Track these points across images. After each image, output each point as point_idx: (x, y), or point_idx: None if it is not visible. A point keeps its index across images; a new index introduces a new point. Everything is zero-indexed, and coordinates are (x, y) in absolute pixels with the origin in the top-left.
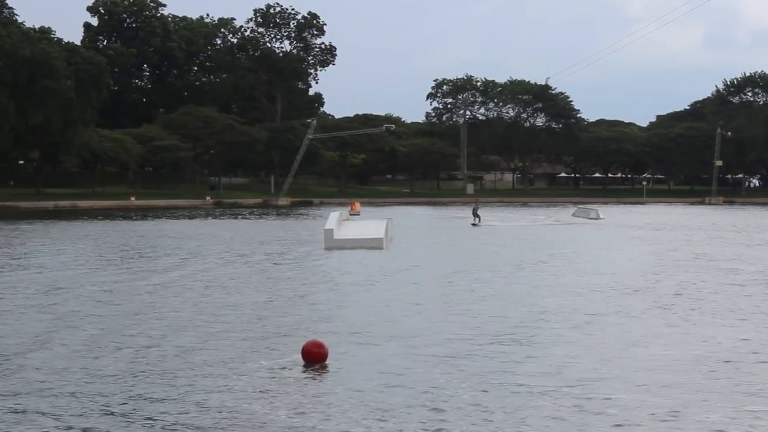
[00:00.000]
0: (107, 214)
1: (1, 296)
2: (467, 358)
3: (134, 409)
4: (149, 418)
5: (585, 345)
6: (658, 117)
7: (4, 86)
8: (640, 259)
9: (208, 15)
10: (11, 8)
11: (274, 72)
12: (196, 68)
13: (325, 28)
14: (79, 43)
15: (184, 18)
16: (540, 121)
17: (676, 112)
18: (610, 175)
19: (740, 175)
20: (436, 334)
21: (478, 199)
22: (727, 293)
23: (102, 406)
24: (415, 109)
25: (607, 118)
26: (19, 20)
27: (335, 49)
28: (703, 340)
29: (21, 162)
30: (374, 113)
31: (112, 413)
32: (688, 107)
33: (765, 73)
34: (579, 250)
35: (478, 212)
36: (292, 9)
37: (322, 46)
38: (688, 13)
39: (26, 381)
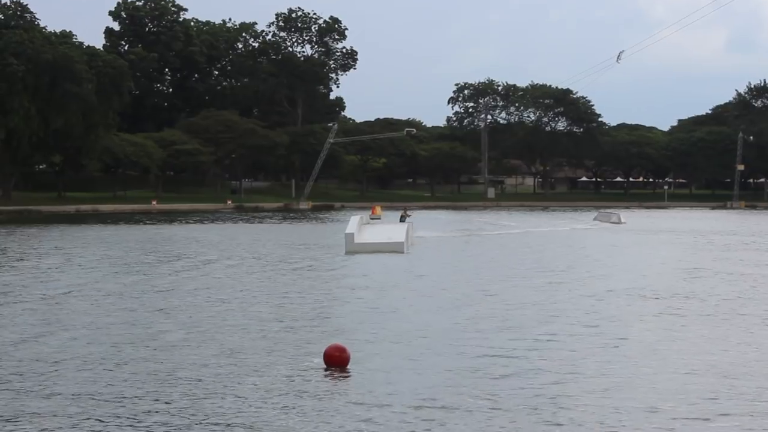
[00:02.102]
0: (129, 218)
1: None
2: (491, 365)
3: (149, 411)
4: (164, 423)
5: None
6: (680, 121)
7: (26, 90)
8: (670, 264)
9: (230, 19)
10: (33, 13)
11: (295, 76)
12: (217, 72)
13: (346, 32)
14: (100, 48)
15: (207, 22)
16: (561, 125)
17: (697, 116)
18: (631, 179)
19: (762, 180)
20: (458, 339)
21: (406, 206)
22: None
23: (122, 408)
24: (436, 113)
25: (629, 122)
26: (41, 25)
27: (356, 53)
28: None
29: (43, 166)
30: (395, 117)
31: (132, 417)
32: (710, 111)
33: None
34: (604, 254)
35: (408, 220)
36: (314, 13)
37: (344, 50)
38: (708, 15)
39: (55, 382)
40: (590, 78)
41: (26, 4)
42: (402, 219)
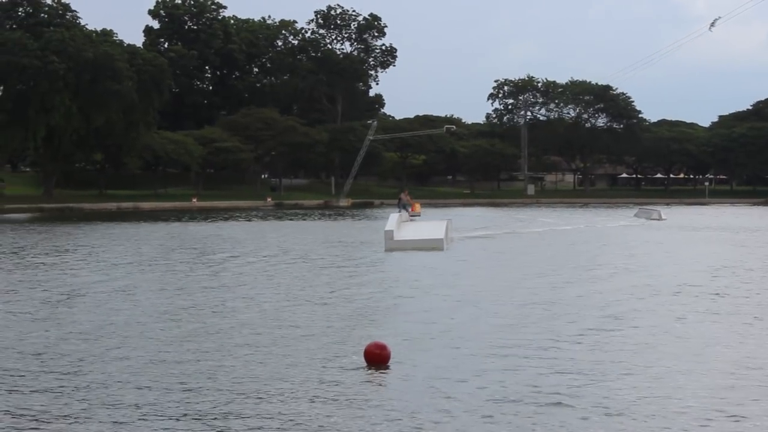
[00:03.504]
0: (169, 216)
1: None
2: (530, 365)
3: (187, 405)
4: (203, 414)
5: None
6: (721, 117)
7: (67, 89)
8: (717, 261)
9: (269, 17)
10: (74, 12)
11: (334, 73)
12: (257, 70)
13: (385, 29)
14: (140, 46)
15: (246, 20)
16: (601, 121)
17: (739, 111)
18: (671, 175)
19: None
20: (498, 338)
21: (406, 190)
22: None
23: (163, 403)
24: (475, 110)
25: (669, 118)
26: (82, 23)
27: (396, 50)
28: None
29: (84, 164)
30: (435, 114)
31: (171, 415)
32: (751, 107)
33: None
34: (647, 252)
35: (405, 205)
36: (353, 10)
37: (383, 47)
38: (749, 9)
39: (101, 373)
40: (633, 73)
41: (68, 3)
42: (399, 204)
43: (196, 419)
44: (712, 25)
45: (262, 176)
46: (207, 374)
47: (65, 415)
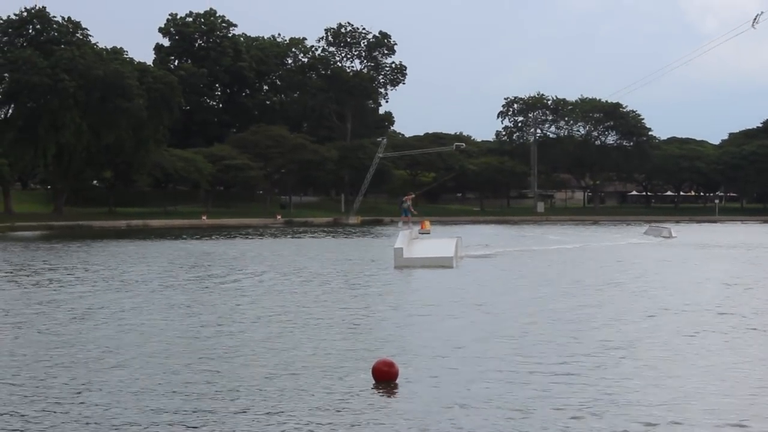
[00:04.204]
0: (179, 233)
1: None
2: (540, 382)
3: (197, 423)
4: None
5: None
6: (731, 134)
7: (77, 106)
8: (729, 279)
9: (279, 35)
10: (85, 29)
11: (344, 91)
12: (266, 87)
13: (395, 47)
14: (150, 64)
15: (256, 38)
16: (611, 139)
17: (748, 129)
18: (681, 193)
19: None
20: (508, 356)
21: (410, 193)
22: None
23: (169, 415)
24: (485, 128)
25: (679, 135)
26: (92, 41)
27: (406, 68)
28: None
29: (94, 182)
30: (444, 132)
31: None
32: (761, 125)
33: None
34: (658, 270)
35: (408, 206)
36: (363, 28)
37: (393, 65)
38: (759, 27)
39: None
40: (643, 90)
41: (78, 21)
42: (400, 206)
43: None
44: (755, 21)
45: (272, 193)
46: (214, 393)
47: None
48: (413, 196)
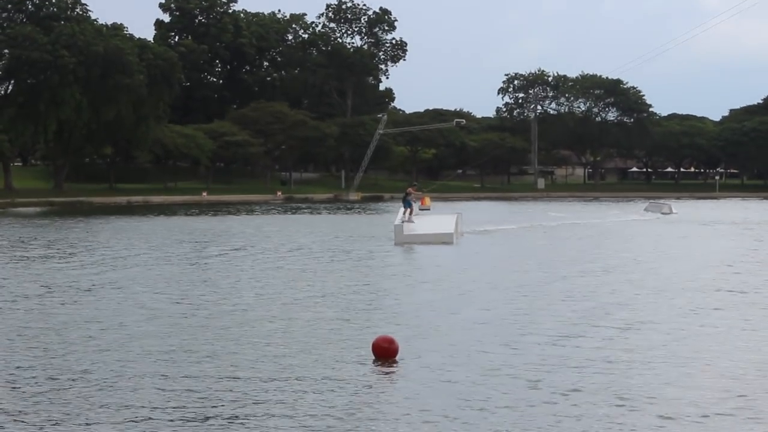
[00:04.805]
0: (179, 210)
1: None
2: (542, 360)
3: (193, 396)
4: (207, 411)
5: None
6: (732, 111)
7: (77, 83)
8: (730, 256)
9: (279, 11)
10: (85, 5)
11: (344, 67)
12: (267, 64)
13: (396, 23)
14: (151, 40)
15: (256, 14)
16: (612, 115)
17: (749, 105)
18: (682, 169)
19: None
20: (507, 331)
21: (414, 185)
22: None
23: (167, 400)
24: (485, 104)
25: (680, 112)
26: (92, 17)
27: (406, 44)
28: None
29: (94, 158)
30: (445, 108)
31: (170, 416)
32: (761, 101)
33: None
34: (658, 247)
35: (411, 203)
36: (364, 4)
37: (393, 41)
38: (761, 2)
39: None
40: (643, 66)
41: None
42: (405, 199)
43: (199, 416)
44: None
45: (273, 170)
46: (215, 367)
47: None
48: (416, 188)
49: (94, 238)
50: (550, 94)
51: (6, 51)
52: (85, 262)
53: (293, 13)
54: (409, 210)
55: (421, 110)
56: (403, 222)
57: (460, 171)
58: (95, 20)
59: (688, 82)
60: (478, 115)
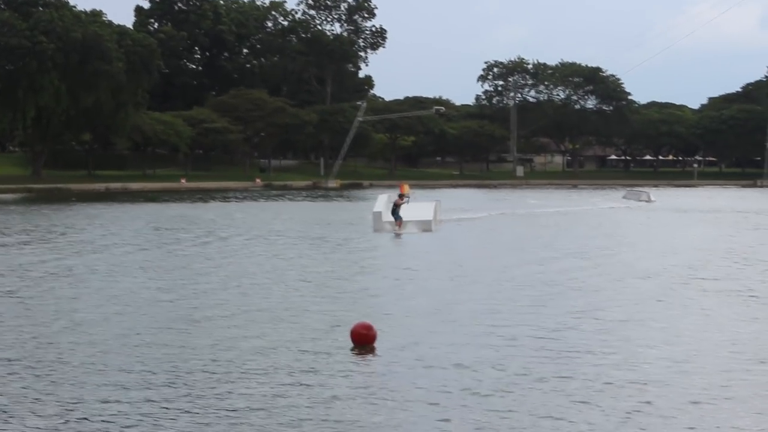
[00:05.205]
0: (158, 196)
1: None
2: (519, 344)
3: (172, 388)
4: (183, 395)
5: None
6: (710, 99)
7: (56, 69)
8: (706, 244)
9: None
10: None
11: (324, 55)
12: (246, 51)
13: (375, 10)
14: (130, 27)
15: (236, 1)
16: (591, 103)
17: (728, 94)
18: (660, 157)
19: None
20: (486, 318)
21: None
22: None
23: (146, 384)
24: (465, 92)
25: (659, 100)
26: (71, 3)
27: (386, 31)
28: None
29: (73, 144)
30: (424, 95)
31: (152, 399)
32: (740, 89)
33: None
34: (637, 234)
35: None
36: None
37: (373, 28)
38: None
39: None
40: (622, 54)
41: None
42: (394, 212)
43: (173, 400)
44: None
45: (252, 157)
46: (189, 351)
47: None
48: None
49: (72, 223)
50: (530, 82)
51: None
52: (57, 248)
53: (273, 0)
54: (399, 222)
55: (401, 98)
56: (395, 234)
57: (439, 158)
58: (74, 6)
59: (667, 70)
60: (458, 103)
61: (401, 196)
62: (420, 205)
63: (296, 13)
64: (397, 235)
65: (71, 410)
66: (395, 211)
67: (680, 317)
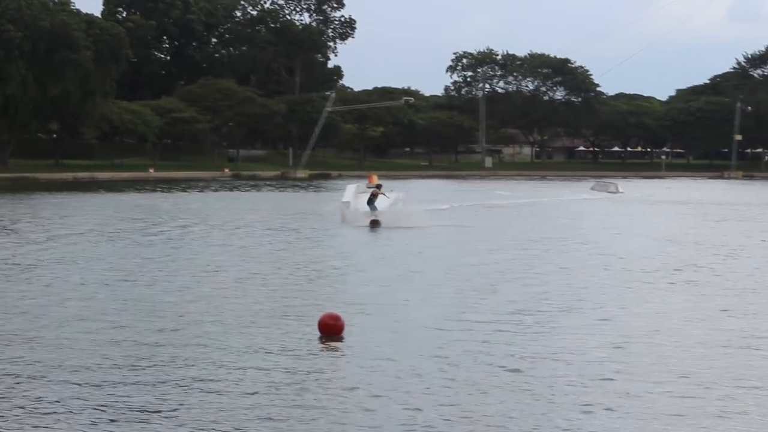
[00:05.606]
0: (126, 186)
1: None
2: (481, 331)
3: (142, 381)
4: (152, 389)
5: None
6: (678, 91)
7: (23, 58)
8: (671, 234)
9: None
10: None
11: (293, 45)
12: (215, 40)
13: (344, 0)
14: (98, 15)
15: None
16: (559, 94)
17: (696, 86)
18: (629, 149)
19: (759, 150)
20: (449, 307)
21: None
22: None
23: (112, 378)
24: (434, 83)
25: (627, 91)
26: None
27: (355, 21)
28: None
29: (40, 134)
30: (393, 86)
31: (120, 392)
32: (708, 81)
33: None
34: (603, 225)
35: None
36: None
37: (342, 18)
38: None
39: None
40: (591, 46)
41: None
42: (371, 202)
43: (136, 392)
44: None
45: (220, 147)
46: (155, 346)
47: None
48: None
49: (38, 214)
50: (499, 73)
51: None
52: (24, 239)
53: None
54: (374, 213)
55: (370, 88)
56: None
57: (408, 149)
58: None
59: (635, 62)
60: (427, 94)
61: (378, 186)
62: (389, 195)
63: (265, 2)
64: (373, 226)
65: None
66: (371, 201)
67: (625, 303)
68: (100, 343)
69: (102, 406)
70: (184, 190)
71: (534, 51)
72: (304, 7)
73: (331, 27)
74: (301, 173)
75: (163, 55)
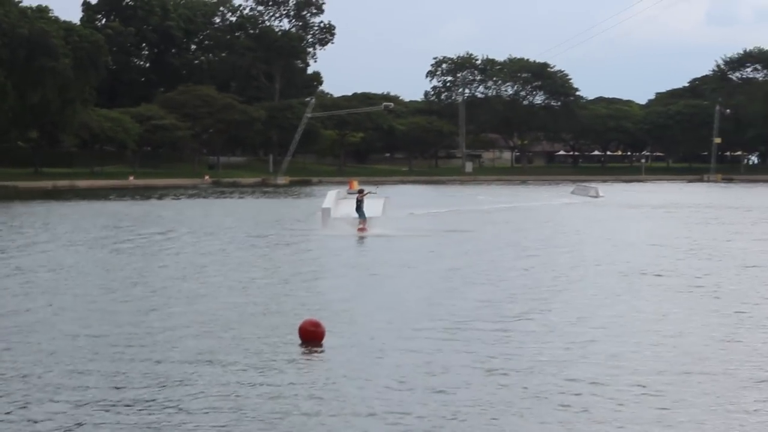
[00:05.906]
0: (105, 194)
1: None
2: (465, 338)
3: (120, 392)
4: (130, 405)
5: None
6: (657, 94)
7: (1, 65)
8: (651, 238)
9: None
10: None
11: (272, 51)
12: (194, 47)
13: (324, 6)
14: (77, 22)
15: None
16: (539, 99)
17: (675, 89)
18: (608, 153)
19: (739, 153)
20: (430, 314)
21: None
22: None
23: (89, 387)
24: (414, 88)
25: (606, 95)
26: None
27: (334, 27)
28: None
29: (19, 142)
30: (373, 92)
31: (96, 400)
32: (687, 84)
33: (764, 49)
34: (583, 229)
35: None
36: None
37: (321, 24)
38: None
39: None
40: (570, 50)
41: None
42: (359, 209)
43: (119, 403)
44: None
45: (200, 154)
46: (136, 354)
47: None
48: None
49: (15, 223)
50: (478, 78)
51: None
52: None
53: None
54: (363, 221)
55: (350, 94)
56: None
57: (388, 155)
58: (20, 2)
59: (614, 66)
60: (407, 99)
61: (360, 191)
62: (369, 202)
63: (244, 9)
64: (361, 233)
65: None
66: (359, 207)
67: (600, 305)
68: (73, 346)
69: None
70: (164, 198)
71: (513, 56)
72: (284, 13)
73: (311, 33)
74: (282, 180)
75: (142, 62)
